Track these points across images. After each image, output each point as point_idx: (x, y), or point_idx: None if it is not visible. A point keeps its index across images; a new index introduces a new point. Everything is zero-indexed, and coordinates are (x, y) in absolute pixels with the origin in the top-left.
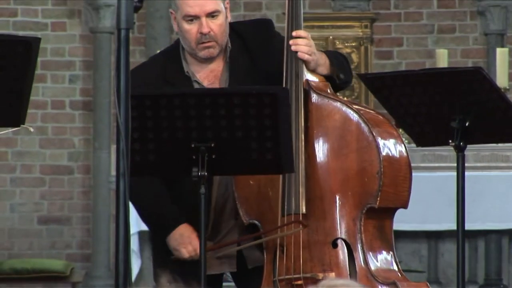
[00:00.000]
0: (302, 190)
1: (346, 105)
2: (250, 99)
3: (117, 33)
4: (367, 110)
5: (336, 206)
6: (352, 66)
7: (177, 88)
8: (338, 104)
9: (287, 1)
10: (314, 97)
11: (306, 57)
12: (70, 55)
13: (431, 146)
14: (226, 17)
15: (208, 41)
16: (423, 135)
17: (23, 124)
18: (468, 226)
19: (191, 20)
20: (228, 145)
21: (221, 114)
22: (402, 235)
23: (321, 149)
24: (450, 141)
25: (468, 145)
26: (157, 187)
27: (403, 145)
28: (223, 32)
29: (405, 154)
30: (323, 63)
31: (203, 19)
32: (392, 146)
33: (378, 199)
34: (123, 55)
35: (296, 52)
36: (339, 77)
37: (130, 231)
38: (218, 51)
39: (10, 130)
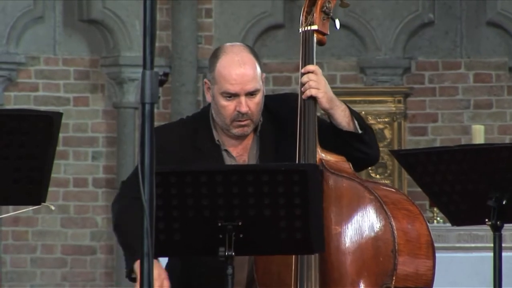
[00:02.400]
0: (315, 274)
1: (361, 184)
2: (279, 176)
3: (141, 107)
4: (384, 188)
5: None
6: (385, 143)
7: (206, 155)
8: (352, 183)
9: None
10: (328, 177)
11: (313, 92)
12: (93, 131)
13: (467, 225)
14: (263, 92)
15: (245, 120)
16: (459, 214)
17: (44, 202)
18: None
19: (229, 97)
20: (256, 224)
21: (249, 191)
22: None
23: (335, 230)
24: (487, 220)
25: (505, 224)
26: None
27: (424, 223)
28: (260, 110)
29: (426, 232)
30: (340, 107)
31: (242, 98)
32: (409, 224)
33: (394, 278)
34: (147, 131)
35: (309, 130)
36: (362, 135)
37: None
38: (252, 128)
39: (31, 208)
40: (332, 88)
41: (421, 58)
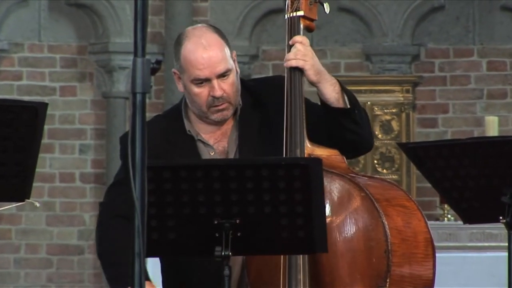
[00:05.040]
0: (305, 277)
1: (352, 180)
2: (279, 171)
3: (132, 97)
4: (378, 183)
5: None
6: (392, 135)
7: (180, 149)
8: (343, 180)
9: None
10: None
11: (293, 63)
12: (81, 123)
13: (480, 223)
14: (236, 72)
15: (221, 104)
16: (471, 211)
17: (28, 198)
18: None
19: (201, 83)
20: (255, 221)
21: (247, 187)
22: None
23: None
24: (501, 217)
25: None
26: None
27: (422, 220)
28: (236, 91)
29: (424, 229)
30: (330, 81)
31: (214, 81)
32: (404, 222)
33: (388, 280)
34: (138, 123)
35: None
36: (351, 111)
37: None
38: (232, 112)
39: (14, 205)
40: (336, 77)
41: (431, 44)
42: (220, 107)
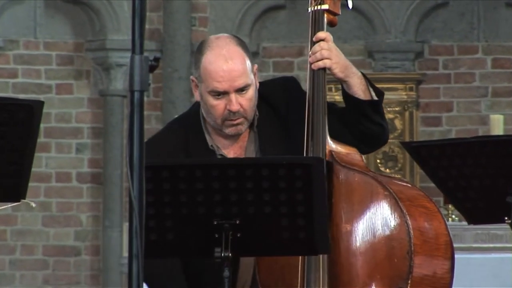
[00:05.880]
0: (324, 276)
1: (374, 178)
2: (280, 171)
3: (130, 96)
4: (399, 183)
5: None
6: (396, 134)
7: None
8: (365, 177)
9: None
10: (339, 171)
11: (320, 64)
12: (77, 121)
13: (485, 223)
14: (256, 86)
15: (237, 118)
16: (476, 211)
17: (24, 199)
18: None
19: (218, 95)
20: (255, 222)
21: (247, 187)
22: None
23: (346, 229)
24: (506, 218)
25: None
26: (173, 265)
27: (442, 221)
28: (253, 106)
29: (444, 231)
30: (357, 74)
31: (232, 95)
32: (426, 223)
33: (409, 282)
34: (136, 121)
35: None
36: (379, 103)
37: None
38: (246, 126)
39: (9, 205)
40: None
41: (435, 41)
42: (235, 122)
